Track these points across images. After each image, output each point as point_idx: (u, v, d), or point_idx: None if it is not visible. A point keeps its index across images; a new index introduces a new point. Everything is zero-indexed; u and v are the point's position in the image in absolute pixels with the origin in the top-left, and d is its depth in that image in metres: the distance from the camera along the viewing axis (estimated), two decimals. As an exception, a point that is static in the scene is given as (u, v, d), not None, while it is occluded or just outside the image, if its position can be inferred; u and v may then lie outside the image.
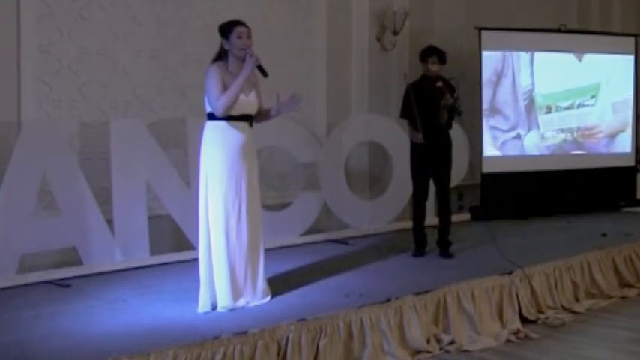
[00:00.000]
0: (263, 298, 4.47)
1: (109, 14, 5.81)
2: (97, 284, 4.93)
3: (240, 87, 4.29)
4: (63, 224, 5.18)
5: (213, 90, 4.27)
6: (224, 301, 4.28)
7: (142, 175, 5.53)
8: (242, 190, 4.37)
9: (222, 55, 4.42)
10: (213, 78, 4.28)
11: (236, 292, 4.33)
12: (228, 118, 4.31)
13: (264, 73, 4.41)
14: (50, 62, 5.52)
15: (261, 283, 4.49)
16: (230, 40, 4.37)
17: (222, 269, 4.29)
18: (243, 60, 4.36)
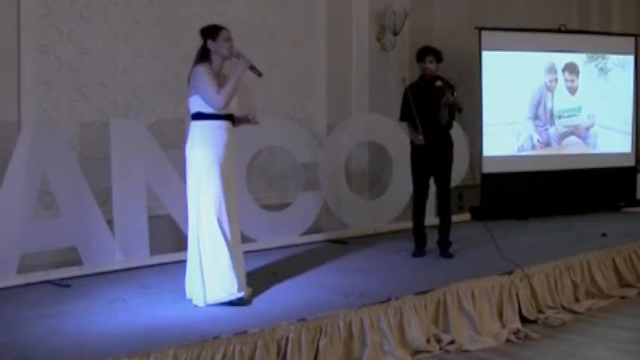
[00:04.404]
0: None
1: (109, 14, 5.80)
2: (97, 284, 4.93)
3: (237, 84, 4.41)
4: (63, 224, 5.18)
5: (210, 86, 4.36)
6: (221, 294, 4.37)
7: (142, 175, 5.52)
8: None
9: (205, 56, 4.52)
10: (205, 76, 4.38)
11: (240, 282, 4.42)
12: (217, 117, 4.41)
13: (259, 73, 4.51)
14: (50, 62, 5.52)
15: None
16: (217, 41, 4.49)
17: (228, 262, 4.37)
18: (224, 58, 4.50)
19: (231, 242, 4.40)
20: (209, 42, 4.49)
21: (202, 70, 4.40)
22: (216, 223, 4.36)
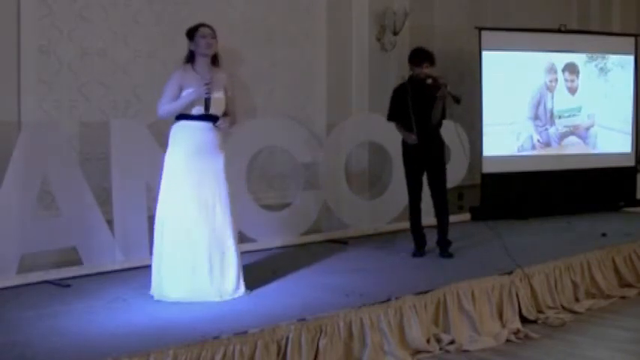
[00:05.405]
0: (227, 296, 4.53)
1: (109, 14, 5.80)
2: (97, 284, 4.93)
3: (183, 106, 4.50)
4: (63, 224, 5.18)
5: (164, 94, 4.54)
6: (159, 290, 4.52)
7: (142, 175, 5.52)
8: (199, 187, 4.50)
9: (189, 58, 4.66)
10: (170, 82, 4.57)
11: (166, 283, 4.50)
12: (190, 117, 4.53)
13: (207, 108, 4.54)
14: (50, 62, 5.52)
15: (229, 280, 4.55)
16: (195, 40, 4.62)
17: (158, 262, 4.55)
18: (204, 55, 4.61)
19: (178, 242, 4.46)
20: (189, 43, 4.64)
21: (174, 74, 4.59)
22: (158, 222, 4.53)
